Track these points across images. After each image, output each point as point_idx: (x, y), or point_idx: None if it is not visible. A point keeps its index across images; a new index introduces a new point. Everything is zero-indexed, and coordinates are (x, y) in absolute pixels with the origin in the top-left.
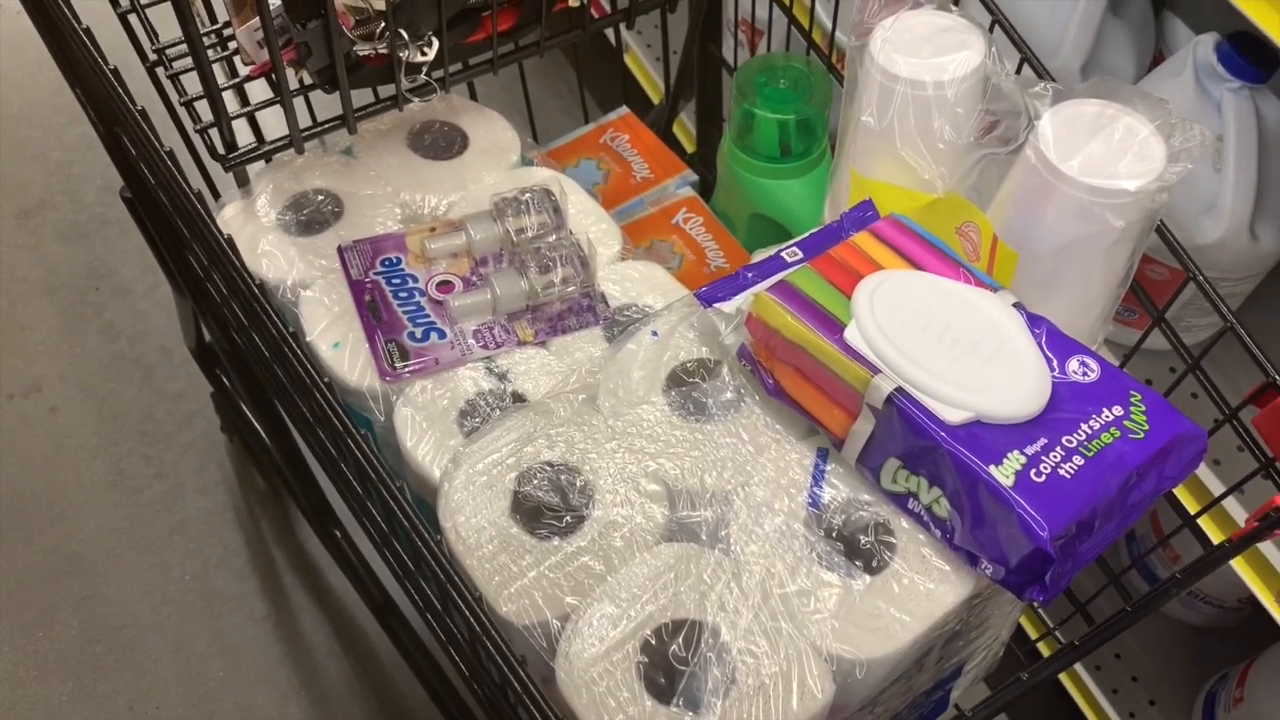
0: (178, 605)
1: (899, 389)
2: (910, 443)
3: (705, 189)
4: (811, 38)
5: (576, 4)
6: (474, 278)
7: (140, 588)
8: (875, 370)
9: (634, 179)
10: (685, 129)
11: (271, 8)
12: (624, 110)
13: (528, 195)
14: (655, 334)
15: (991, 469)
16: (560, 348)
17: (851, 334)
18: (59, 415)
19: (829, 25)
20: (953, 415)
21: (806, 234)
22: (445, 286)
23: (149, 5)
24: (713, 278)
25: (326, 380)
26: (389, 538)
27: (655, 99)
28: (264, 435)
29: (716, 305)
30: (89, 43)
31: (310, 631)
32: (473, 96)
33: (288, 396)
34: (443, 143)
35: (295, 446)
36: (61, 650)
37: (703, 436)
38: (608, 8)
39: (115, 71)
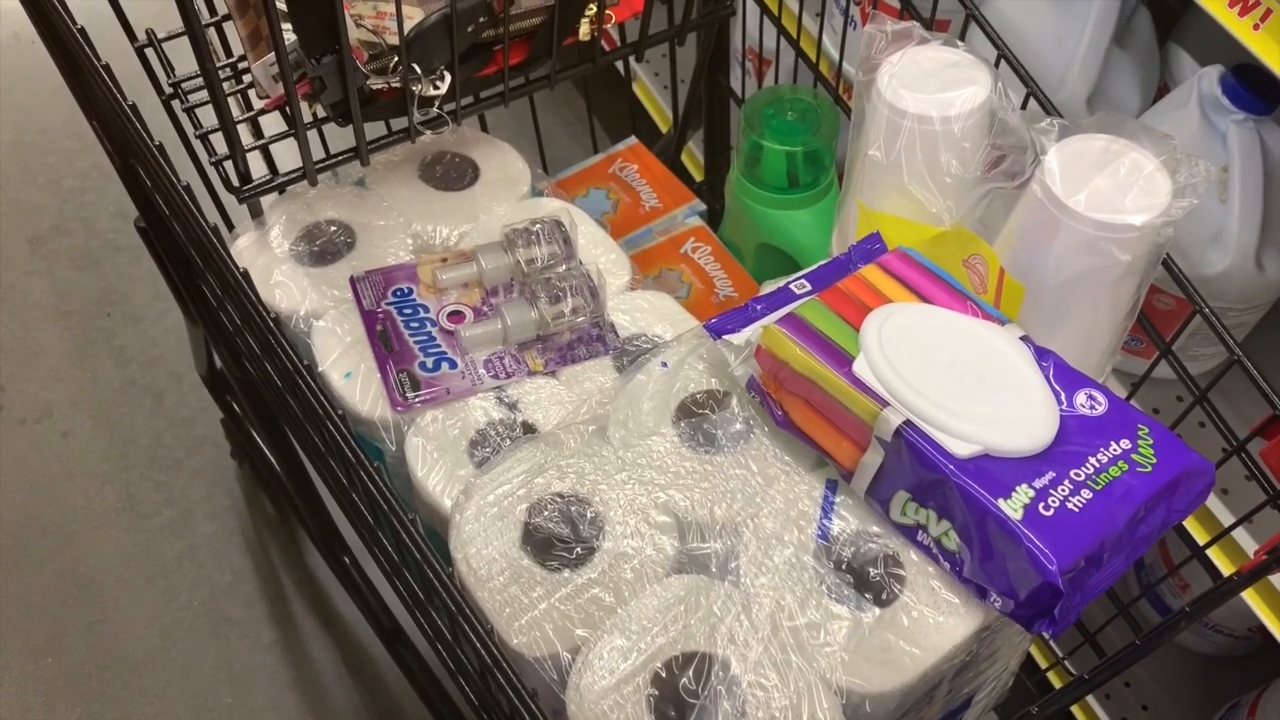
0: (186, 631)
1: (907, 422)
2: (919, 476)
3: (713, 218)
4: (819, 70)
5: (587, 38)
6: (485, 308)
7: (149, 613)
8: (884, 403)
9: (643, 209)
10: (693, 158)
11: (287, 43)
12: (633, 140)
13: (538, 226)
14: (665, 365)
15: (1000, 503)
16: (570, 377)
17: (860, 367)
18: (70, 441)
19: (836, 57)
20: (961, 448)
21: (815, 266)
22: (456, 316)
23: (165, 40)
24: (721, 307)
25: (340, 413)
26: (400, 567)
27: (663, 128)
28: (274, 462)
29: (726, 337)
30: (108, 79)
31: (318, 658)
32: (483, 128)
33: (300, 426)
34: (454, 174)
35: (305, 474)
36: (70, 676)
37: (712, 468)
38: (618, 40)
39: (134, 108)
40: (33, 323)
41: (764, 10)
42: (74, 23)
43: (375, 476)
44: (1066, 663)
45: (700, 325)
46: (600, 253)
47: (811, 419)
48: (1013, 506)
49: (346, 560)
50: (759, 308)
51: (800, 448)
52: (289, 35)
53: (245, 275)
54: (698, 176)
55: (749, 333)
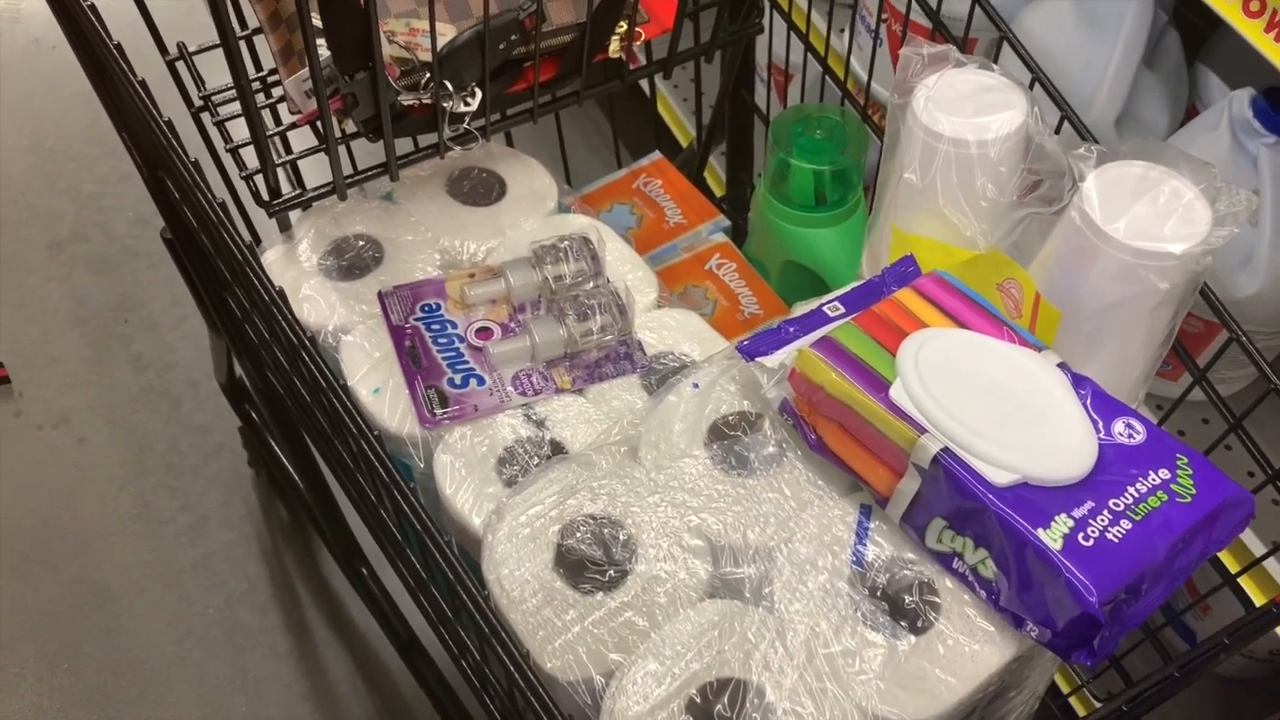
0: (201, 639)
1: (946, 449)
2: (957, 503)
3: (736, 234)
4: (847, 89)
5: (617, 55)
6: (512, 324)
7: (164, 621)
8: (921, 430)
9: (667, 224)
10: (714, 173)
11: (320, 59)
12: (656, 155)
13: (566, 243)
14: (696, 386)
15: (1039, 532)
16: (598, 395)
17: (897, 392)
18: (86, 446)
19: (863, 75)
20: (1000, 477)
21: (848, 288)
22: (484, 333)
23: (197, 53)
24: (747, 325)
25: (375, 432)
26: (426, 585)
27: (684, 142)
28: (292, 472)
29: (759, 359)
30: (144, 95)
31: (333, 668)
32: (509, 142)
33: (325, 440)
34: (481, 189)
35: (325, 485)
36: (85, 683)
37: (745, 491)
38: (641, 58)
39: (169, 124)
40: (51, 328)
41: (791, 28)
42: (110, 38)
43: (410, 498)
44: (1090, 688)
45: (731, 346)
46: (627, 270)
47: (846, 443)
48: (1052, 536)
49: (364, 571)
50: (792, 330)
51: (833, 472)
52: (322, 51)
53: (281, 294)
54: (718, 191)
55: (782, 355)
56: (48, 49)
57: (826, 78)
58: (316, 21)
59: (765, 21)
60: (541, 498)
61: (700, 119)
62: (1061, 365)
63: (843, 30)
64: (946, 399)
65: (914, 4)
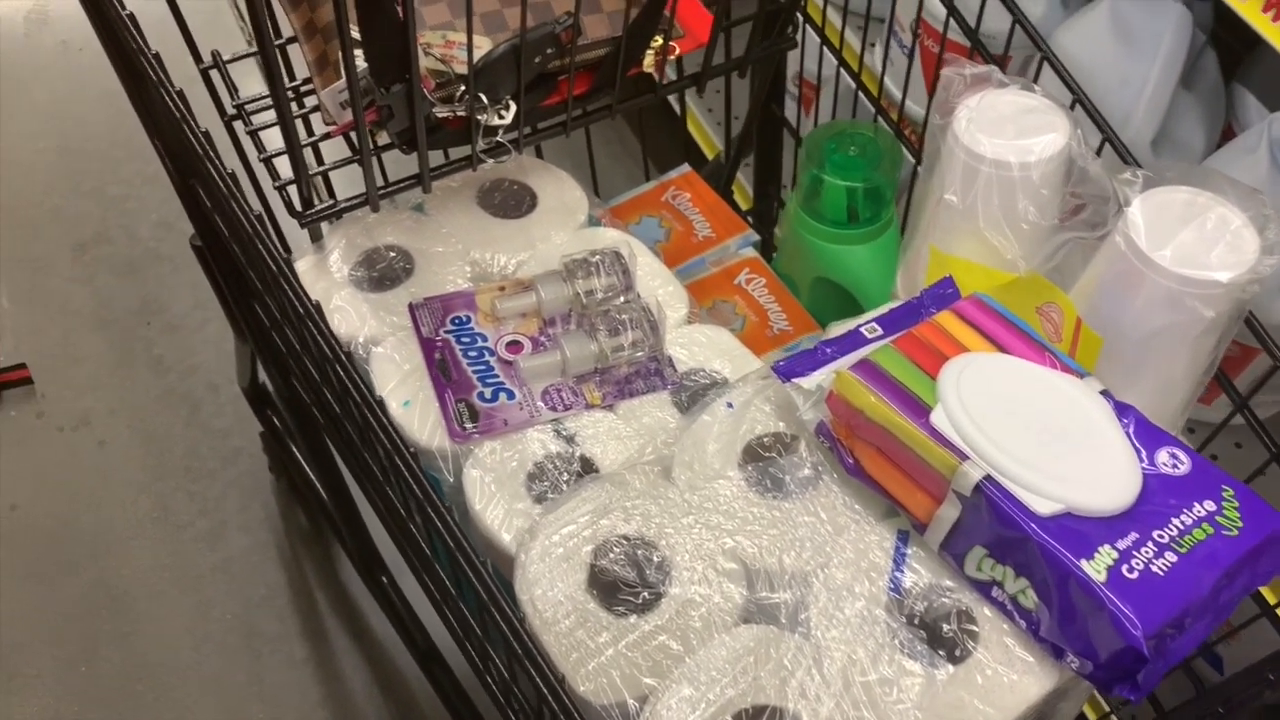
0: (218, 644)
1: (988, 477)
2: (998, 532)
3: (763, 248)
4: (880, 105)
5: (651, 69)
6: (542, 338)
7: (182, 625)
8: (963, 456)
9: (695, 237)
10: (740, 186)
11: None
12: (685, 168)
13: (597, 257)
14: (730, 406)
15: (1083, 564)
16: (628, 412)
17: (938, 418)
18: (107, 449)
19: (894, 92)
20: (1043, 506)
21: (885, 309)
22: (514, 346)
23: (231, 62)
24: (776, 341)
25: (411, 450)
26: (454, 600)
27: (709, 154)
28: (314, 479)
29: (795, 380)
30: (182, 105)
31: (350, 675)
32: (538, 154)
33: (353, 450)
34: (512, 201)
35: (347, 493)
36: (102, 686)
37: (780, 514)
38: (671, 74)
39: (207, 135)
40: (73, 330)
41: (825, 44)
42: (148, 47)
43: (445, 515)
44: (1115, 716)
45: (765, 366)
46: (658, 285)
47: (884, 468)
48: (1096, 568)
49: (384, 579)
50: (829, 351)
51: (870, 496)
52: (359, 62)
53: (316, 307)
54: (743, 205)
55: (819, 377)
56: (75, 51)
57: (856, 92)
58: (354, 33)
59: (801, 36)
60: (574, 517)
61: (729, 133)
62: (1104, 392)
63: (873, 44)
64: (988, 425)
65: (951, 21)
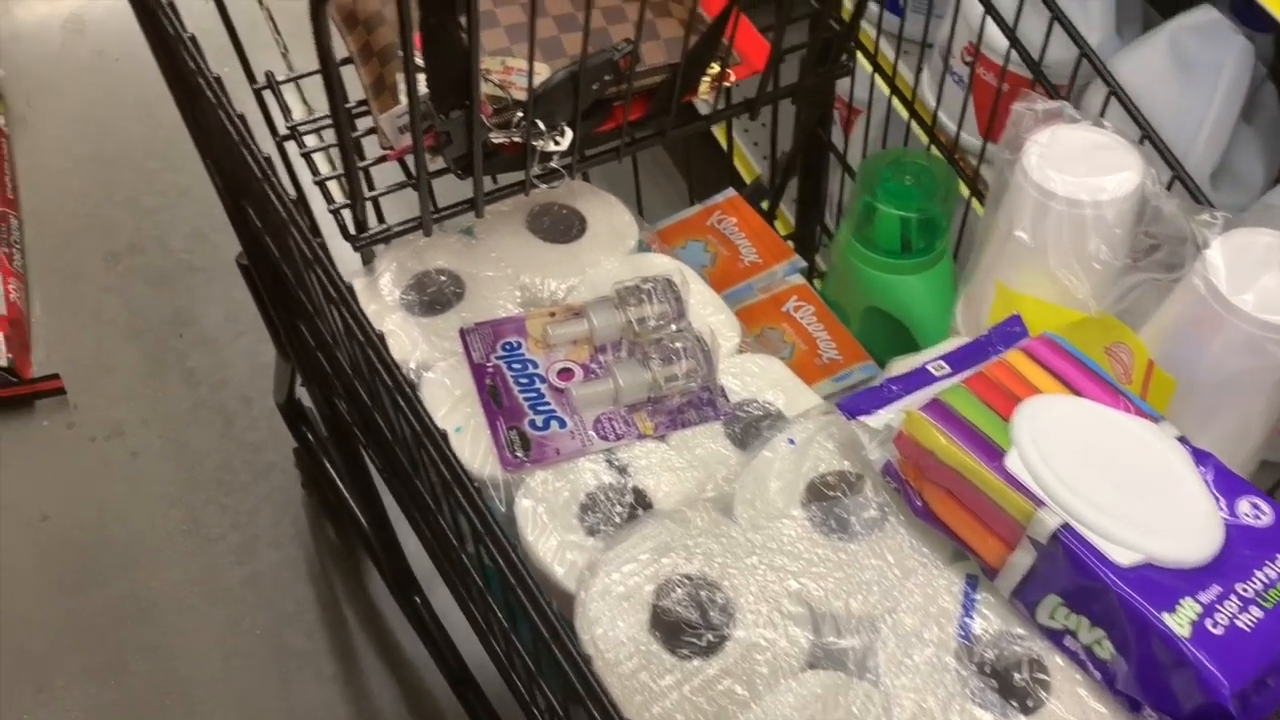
0: (247, 659)
1: (1065, 525)
2: (1075, 581)
3: (807, 274)
4: (935, 135)
5: (707, 96)
6: (593, 365)
7: (210, 639)
8: (1039, 503)
9: (742, 263)
10: (779, 211)
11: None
12: (730, 192)
13: (649, 284)
14: (792, 442)
15: (1165, 617)
16: (680, 442)
17: (1013, 462)
18: (138, 460)
19: (947, 122)
20: (1123, 557)
21: (951, 346)
22: (565, 374)
23: (284, 83)
24: (825, 370)
25: (476, 484)
26: (507, 632)
27: (747, 177)
28: (349, 498)
29: (861, 419)
30: (244, 130)
31: (379, 694)
32: (585, 178)
33: (399, 475)
34: (561, 226)
35: (384, 513)
36: (131, 700)
37: (846, 556)
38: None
39: (269, 160)
40: (106, 339)
41: (877, 70)
42: (210, 70)
43: (510, 552)
44: None
45: (827, 402)
46: (709, 313)
47: (954, 511)
48: (1178, 622)
49: (417, 599)
50: (894, 389)
51: (938, 539)
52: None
53: (381, 339)
54: (782, 229)
55: (887, 415)
56: (111, 61)
57: (896, 114)
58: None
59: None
60: (635, 554)
61: (774, 157)
62: (1181, 438)
63: (920, 69)
64: (1065, 471)
65: (1014, 53)
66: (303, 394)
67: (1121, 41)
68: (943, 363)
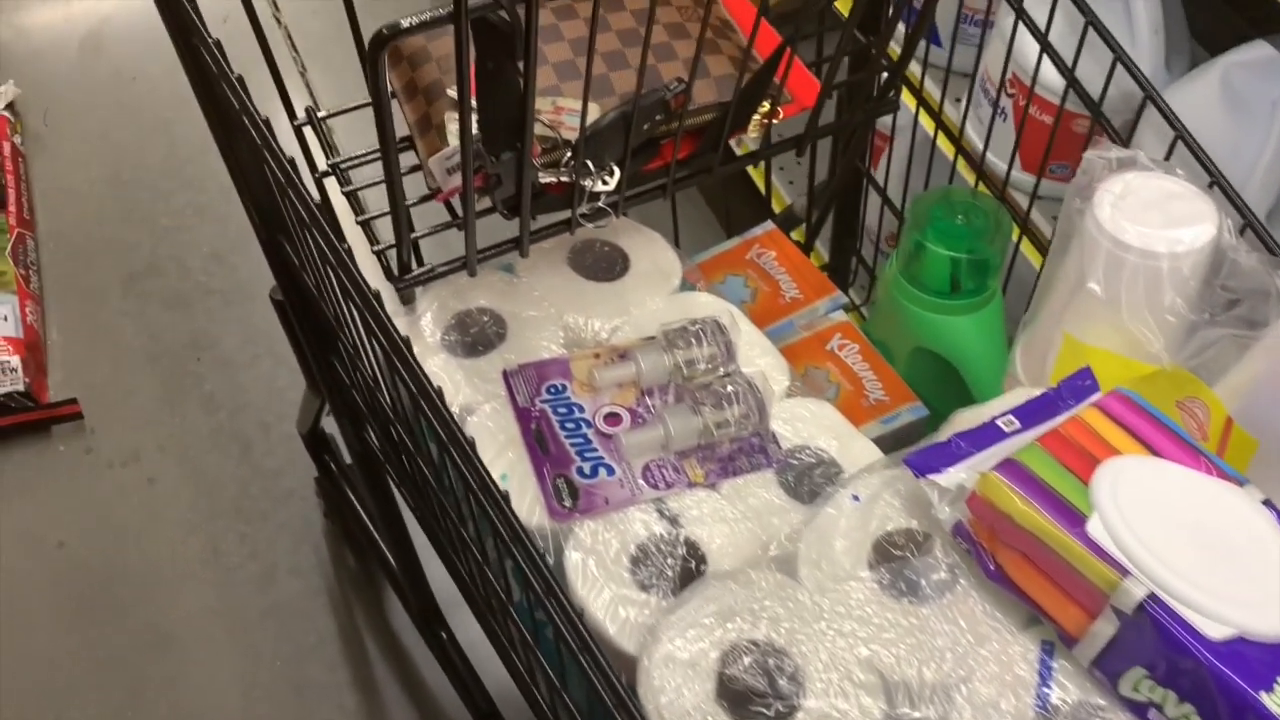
0: (267, 692)
1: (1152, 595)
2: (1162, 654)
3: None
4: (984, 173)
5: (756, 133)
6: (640, 409)
7: (231, 672)
8: (1124, 572)
9: (783, 299)
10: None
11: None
12: (769, 225)
13: (697, 326)
14: (856, 499)
15: (1262, 696)
16: (732, 491)
17: (1095, 528)
18: (156, 487)
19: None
20: (1214, 630)
21: (1018, 399)
22: (612, 419)
23: (327, 118)
24: (872, 411)
25: (542, 555)
26: (557, 689)
27: (776, 206)
28: (373, 530)
29: (931, 477)
30: (293, 173)
31: None
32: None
33: (442, 521)
34: (604, 263)
35: (411, 547)
36: None
37: (918, 621)
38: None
39: (320, 208)
40: (123, 363)
41: (922, 104)
42: (257, 111)
43: (574, 616)
44: None
45: (885, 456)
46: (756, 354)
47: (1031, 576)
48: (1276, 701)
49: (443, 635)
50: (963, 445)
51: (1010, 602)
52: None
53: (439, 394)
54: (814, 261)
55: (959, 475)
56: (128, 80)
57: (926, 140)
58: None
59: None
60: (698, 619)
61: (811, 192)
62: (1266, 502)
63: (958, 100)
64: (1150, 537)
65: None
66: (326, 422)
67: (1170, 76)
68: (1012, 418)
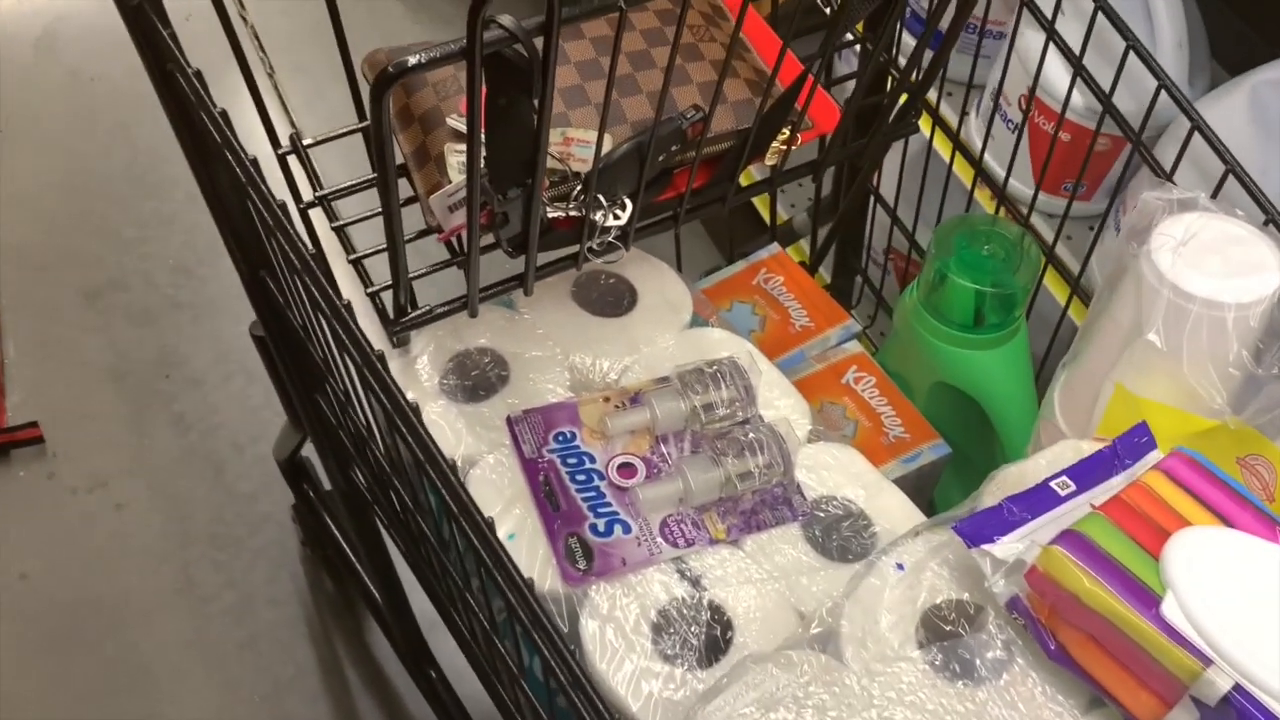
0: None
1: (1238, 687)
2: None
3: None
4: (1007, 198)
5: (773, 161)
6: (654, 457)
7: (208, 709)
8: (1206, 660)
9: (793, 328)
10: (799, 251)
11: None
12: (775, 248)
13: (714, 368)
14: (901, 567)
15: None
16: (757, 548)
17: (1171, 611)
18: (124, 513)
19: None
20: None
21: (1074, 460)
22: (626, 470)
23: (311, 146)
24: (893, 450)
25: (570, 647)
26: None
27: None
28: (355, 561)
29: (984, 547)
30: (283, 216)
31: None
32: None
33: (440, 578)
34: (610, 297)
35: (398, 585)
36: None
37: (974, 706)
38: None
39: (315, 258)
40: (86, 384)
41: (940, 127)
42: (243, 149)
43: (599, 704)
44: None
45: (930, 520)
46: (776, 395)
47: (1098, 659)
48: None
49: (432, 673)
50: (1015, 510)
51: (1071, 682)
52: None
53: (452, 466)
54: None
55: (1014, 545)
56: (86, 81)
57: (935, 156)
58: (454, 125)
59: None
60: (738, 707)
61: (816, 216)
62: None
63: (967, 114)
64: (1232, 622)
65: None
66: (306, 449)
67: (1193, 93)
68: (1067, 480)
